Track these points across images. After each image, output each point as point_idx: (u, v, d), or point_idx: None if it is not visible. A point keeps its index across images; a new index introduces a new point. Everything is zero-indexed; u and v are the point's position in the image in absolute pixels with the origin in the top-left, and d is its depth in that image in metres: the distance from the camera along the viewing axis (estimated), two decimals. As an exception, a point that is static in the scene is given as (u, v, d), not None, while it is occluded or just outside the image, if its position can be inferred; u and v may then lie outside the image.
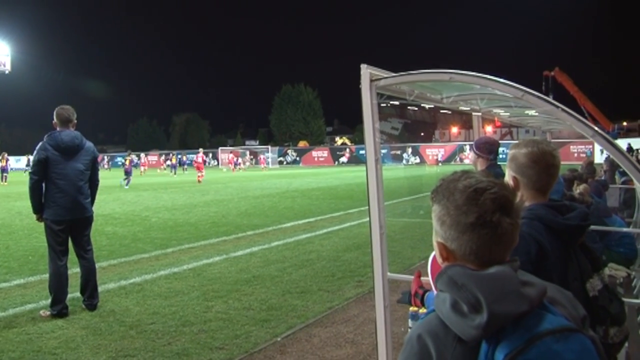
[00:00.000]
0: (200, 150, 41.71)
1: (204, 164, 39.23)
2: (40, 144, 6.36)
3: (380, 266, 2.81)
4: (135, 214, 16.25)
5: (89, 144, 6.57)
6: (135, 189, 28.02)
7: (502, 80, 2.54)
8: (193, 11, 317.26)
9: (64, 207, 6.32)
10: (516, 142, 2.30)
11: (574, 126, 2.48)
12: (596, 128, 2.46)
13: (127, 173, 31.68)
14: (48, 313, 6.23)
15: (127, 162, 33.04)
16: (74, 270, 6.88)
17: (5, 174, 36.65)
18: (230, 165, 46.52)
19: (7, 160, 38.43)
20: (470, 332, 1.25)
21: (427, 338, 1.32)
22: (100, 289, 6.87)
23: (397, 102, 4.42)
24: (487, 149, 4.90)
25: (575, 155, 47.74)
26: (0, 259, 9.55)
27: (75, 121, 6.53)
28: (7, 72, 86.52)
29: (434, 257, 1.78)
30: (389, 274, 2.88)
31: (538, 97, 2.51)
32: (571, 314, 1.36)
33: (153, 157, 67.14)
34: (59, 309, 6.23)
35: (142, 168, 56.25)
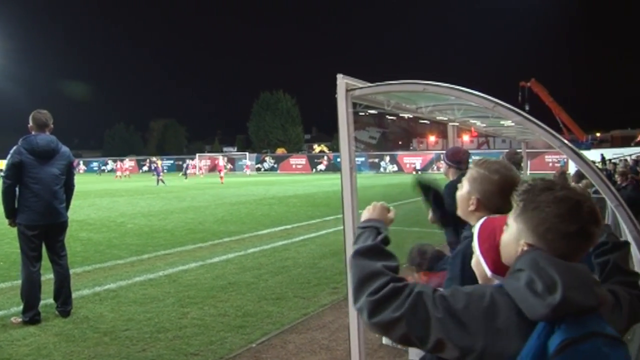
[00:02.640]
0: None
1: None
2: (14, 147, 6.28)
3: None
4: (111, 220, 16.12)
5: (64, 149, 6.52)
6: (110, 194, 27.77)
7: (474, 91, 2.60)
8: (173, 18, 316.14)
9: (38, 212, 6.25)
10: (480, 158, 2.29)
11: (542, 137, 2.55)
12: (562, 139, 2.53)
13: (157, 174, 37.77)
14: (20, 320, 6.16)
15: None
16: (48, 277, 6.82)
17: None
18: (220, 172, 46.56)
19: None
20: (538, 310, 1.34)
21: (499, 298, 1.42)
22: (74, 295, 6.81)
23: (375, 112, 4.47)
24: (458, 160, 5.03)
25: (550, 165, 48.24)
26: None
27: (52, 125, 6.48)
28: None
29: (482, 228, 1.89)
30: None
31: (508, 108, 2.57)
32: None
33: (130, 163, 66.56)
34: (31, 315, 6.16)
35: (117, 173, 56.08)
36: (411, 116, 5.18)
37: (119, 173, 56.07)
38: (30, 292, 6.21)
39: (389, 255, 1.67)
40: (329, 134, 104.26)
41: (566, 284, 1.33)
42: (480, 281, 1.86)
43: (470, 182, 2.23)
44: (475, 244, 1.88)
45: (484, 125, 7.03)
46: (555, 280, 1.34)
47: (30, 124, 6.40)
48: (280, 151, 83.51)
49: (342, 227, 2.94)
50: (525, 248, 1.51)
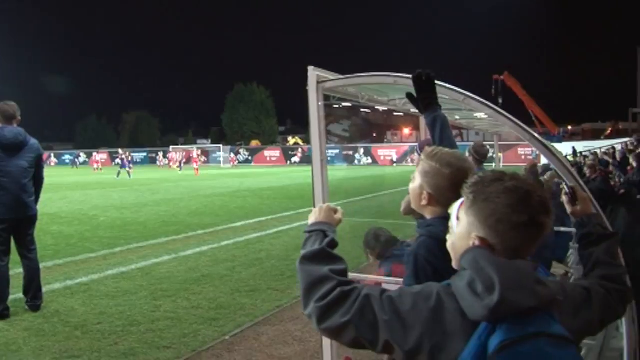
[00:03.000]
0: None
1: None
2: None
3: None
4: (83, 213, 15.94)
5: (33, 141, 6.40)
6: (83, 187, 27.46)
7: (443, 84, 2.62)
8: (145, 7, 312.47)
9: (7, 206, 6.15)
10: (433, 149, 2.19)
11: (512, 130, 2.58)
12: (532, 132, 2.56)
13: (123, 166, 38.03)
14: None
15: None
16: (17, 271, 6.74)
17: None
18: (194, 164, 46.28)
19: None
20: (477, 311, 1.31)
21: (445, 299, 1.40)
22: (45, 289, 6.74)
23: (349, 104, 4.47)
24: None
25: (523, 157, 48.75)
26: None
27: (20, 118, 6.36)
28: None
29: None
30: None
31: (478, 101, 2.60)
32: (571, 326, 1.44)
33: (102, 155, 65.89)
34: (0, 310, 6.09)
35: (94, 166, 55.67)
36: (385, 108, 5.20)
37: (95, 165, 55.71)
38: None
39: (336, 258, 1.63)
40: (304, 126, 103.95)
41: (504, 285, 1.30)
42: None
43: (422, 176, 2.14)
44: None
45: (458, 117, 7.08)
46: (494, 280, 1.31)
47: None
48: (254, 143, 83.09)
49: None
50: (477, 242, 1.48)
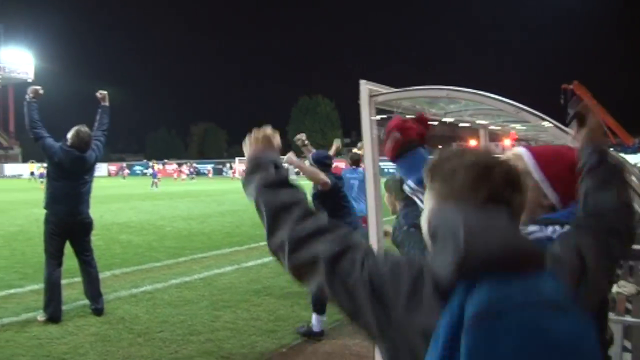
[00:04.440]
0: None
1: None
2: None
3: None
4: (151, 223, 16.37)
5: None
6: (152, 197, 28.23)
7: (496, 97, 2.58)
8: (211, 22, 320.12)
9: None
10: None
11: (568, 142, 2.50)
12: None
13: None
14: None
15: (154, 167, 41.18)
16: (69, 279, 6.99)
17: (41, 180, 40.01)
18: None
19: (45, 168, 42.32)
20: (444, 271, 1.10)
21: (426, 270, 1.15)
22: (111, 296, 7.03)
23: (413, 116, 4.43)
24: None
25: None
26: (16, 265, 9.68)
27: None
28: (29, 80, 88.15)
29: (539, 152, 1.79)
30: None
31: (533, 114, 2.54)
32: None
33: (170, 166, 67.47)
34: (50, 312, 6.37)
35: (159, 176, 57.40)
36: (452, 120, 5.13)
37: (176, 175, 59.15)
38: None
39: (299, 188, 1.46)
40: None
41: (470, 229, 1.10)
42: (526, 215, 1.56)
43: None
44: (535, 168, 1.76)
45: (524, 128, 6.92)
46: (457, 227, 1.11)
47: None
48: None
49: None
50: None
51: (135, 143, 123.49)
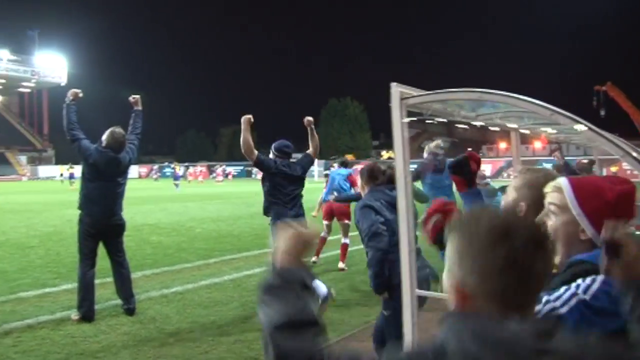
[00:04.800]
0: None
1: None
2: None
3: (409, 283, 2.83)
4: (181, 224, 16.54)
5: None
6: (182, 199, 28.49)
7: (529, 99, 2.55)
8: (242, 26, 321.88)
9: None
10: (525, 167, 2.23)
11: (603, 146, 2.48)
12: (626, 148, 2.43)
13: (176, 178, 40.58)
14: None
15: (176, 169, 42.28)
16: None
17: (71, 180, 42.57)
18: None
19: (73, 168, 46.16)
20: None
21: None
22: (143, 296, 7.15)
23: (445, 120, 4.42)
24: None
25: (628, 172, 46.41)
26: (50, 265, 9.88)
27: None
28: (62, 84, 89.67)
29: (579, 186, 1.75)
30: (417, 290, 2.90)
31: (566, 116, 2.51)
32: None
33: (200, 168, 68.02)
34: (83, 312, 6.50)
35: (189, 178, 58.02)
36: (483, 123, 5.10)
37: (201, 177, 59.95)
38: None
39: (320, 328, 1.33)
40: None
41: None
42: (564, 249, 1.64)
43: (517, 190, 2.17)
44: (573, 203, 1.72)
45: (555, 131, 6.85)
46: None
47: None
48: (349, 157, 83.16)
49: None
50: (454, 299, 1.23)
51: (166, 145, 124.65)
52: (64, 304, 7.15)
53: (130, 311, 6.68)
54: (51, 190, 38.19)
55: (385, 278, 4.51)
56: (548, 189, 1.84)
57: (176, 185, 40.70)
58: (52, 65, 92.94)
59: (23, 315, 6.71)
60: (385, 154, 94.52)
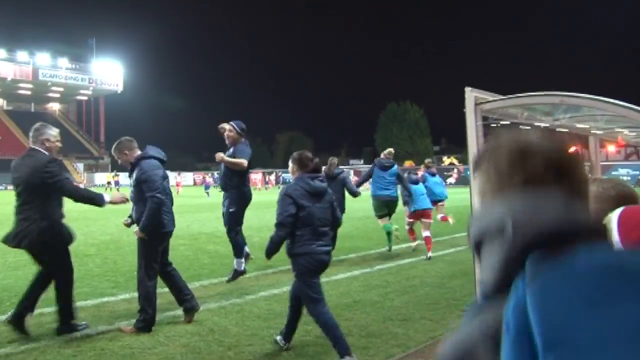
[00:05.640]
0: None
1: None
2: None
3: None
4: (239, 233, 16.51)
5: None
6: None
7: (618, 102, 2.30)
8: (297, 30, 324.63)
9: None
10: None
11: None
12: None
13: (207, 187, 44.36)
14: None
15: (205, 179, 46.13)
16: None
17: (117, 187, 46.17)
18: None
19: (118, 176, 50.50)
20: (496, 259, 1.01)
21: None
22: (201, 307, 7.00)
23: (507, 122, 4.20)
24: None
25: None
26: (108, 274, 9.97)
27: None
28: (119, 91, 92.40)
29: (626, 216, 1.65)
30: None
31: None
32: None
33: (256, 175, 68.72)
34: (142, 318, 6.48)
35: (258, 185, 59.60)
36: (547, 125, 4.83)
37: (260, 184, 61.51)
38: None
39: None
40: (460, 145, 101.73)
41: (515, 212, 0.99)
42: None
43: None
44: (616, 231, 1.64)
45: (634, 134, 6.47)
46: (502, 214, 1.01)
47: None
48: (408, 164, 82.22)
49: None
50: None
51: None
52: (122, 313, 7.15)
53: (193, 309, 6.88)
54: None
55: (276, 252, 5.87)
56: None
57: (207, 194, 42.70)
58: (108, 72, 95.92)
59: (83, 325, 6.72)
60: (446, 160, 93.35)
